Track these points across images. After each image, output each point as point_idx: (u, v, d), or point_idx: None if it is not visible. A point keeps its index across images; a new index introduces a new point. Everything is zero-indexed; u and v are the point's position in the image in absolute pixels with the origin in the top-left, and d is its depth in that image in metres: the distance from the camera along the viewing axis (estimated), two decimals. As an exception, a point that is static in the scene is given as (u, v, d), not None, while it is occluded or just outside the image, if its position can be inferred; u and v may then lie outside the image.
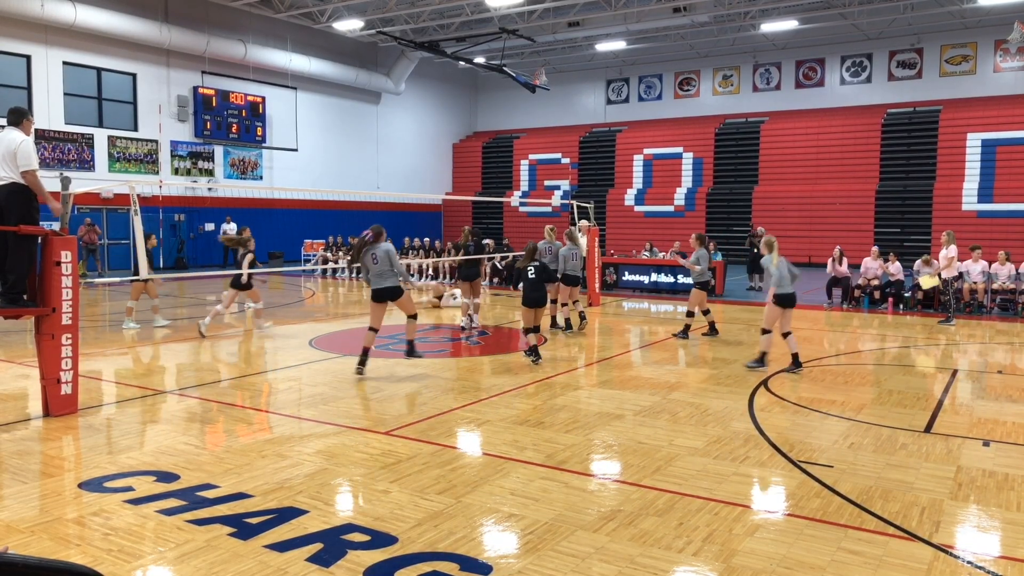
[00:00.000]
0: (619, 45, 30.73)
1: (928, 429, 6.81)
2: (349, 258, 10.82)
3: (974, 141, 26.94)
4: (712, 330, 12.07)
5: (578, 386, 8.57)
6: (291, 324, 13.54)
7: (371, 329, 9.00)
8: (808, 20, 27.37)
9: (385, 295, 8.92)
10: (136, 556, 4.15)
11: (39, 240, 7.01)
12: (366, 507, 4.90)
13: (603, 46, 31.06)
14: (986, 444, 6.35)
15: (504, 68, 27.90)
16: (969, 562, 4.18)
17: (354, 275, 22.20)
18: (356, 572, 3.98)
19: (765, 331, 9.42)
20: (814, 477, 5.47)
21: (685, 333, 11.83)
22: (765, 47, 31.65)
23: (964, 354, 11.09)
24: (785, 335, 9.36)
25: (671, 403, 7.69)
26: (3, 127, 7.07)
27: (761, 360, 9.43)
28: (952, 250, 13.87)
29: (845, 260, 16.44)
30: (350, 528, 4.54)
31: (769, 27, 27.70)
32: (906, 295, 15.93)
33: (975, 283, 15.26)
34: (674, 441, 6.36)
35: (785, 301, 9.32)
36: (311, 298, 18.39)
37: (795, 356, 9.33)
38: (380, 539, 4.38)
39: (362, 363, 8.93)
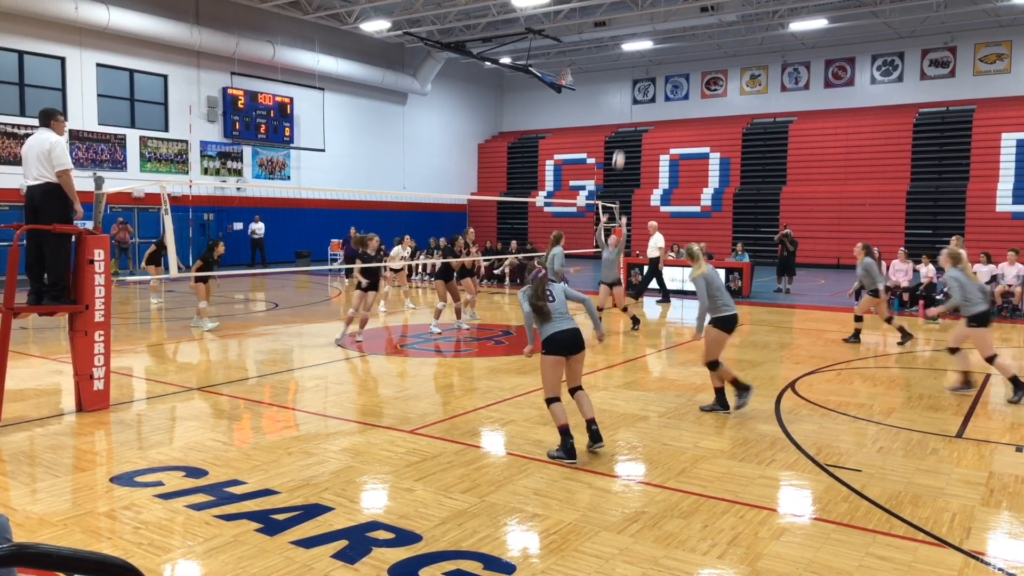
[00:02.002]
0: (646, 45, 30.58)
1: (960, 434, 6.70)
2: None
3: (1008, 141, 26.41)
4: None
5: (602, 387, 8.54)
6: (317, 323, 13.66)
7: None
8: (838, 19, 27.02)
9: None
10: (166, 550, 4.22)
11: (73, 239, 7.15)
12: (391, 505, 4.94)
13: (629, 46, 30.92)
14: (1019, 450, 6.23)
15: (530, 68, 27.89)
16: (1000, 569, 4.10)
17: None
18: (381, 569, 4.01)
19: (991, 358, 7.96)
20: (842, 481, 5.40)
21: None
22: (794, 46, 31.30)
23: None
24: (990, 360, 8.01)
25: (696, 405, 7.63)
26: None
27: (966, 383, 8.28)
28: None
29: (883, 264, 16.23)
30: (375, 526, 4.57)
31: (798, 26, 27.40)
32: (937, 297, 15.66)
33: (1010, 285, 14.97)
34: (699, 443, 6.32)
35: (982, 319, 7.92)
36: (337, 297, 18.54)
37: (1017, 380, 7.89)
38: (404, 537, 4.41)
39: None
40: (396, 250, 16.22)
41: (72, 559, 1.17)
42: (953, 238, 12.90)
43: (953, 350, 8.23)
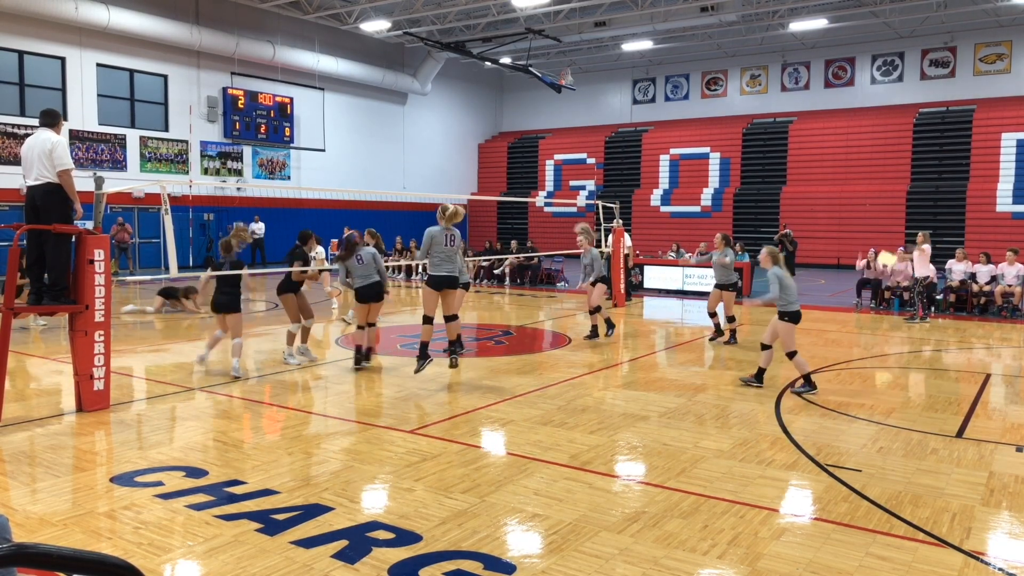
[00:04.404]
0: (646, 45, 30.58)
1: (960, 434, 6.70)
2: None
3: (1008, 141, 26.41)
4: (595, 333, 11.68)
5: (603, 387, 8.54)
6: (317, 323, 13.65)
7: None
8: (838, 19, 27.03)
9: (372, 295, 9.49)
10: (166, 550, 4.22)
11: (73, 239, 7.15)
12: (391, 505, 4.94)
13: (629, 46, 30.92)
14: (1020, 450, 6.23)
15: (530, 68, 27.89)
16: (1000, 569, 4.10)
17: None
18: (381, 569, 4.01)
19: None
20: (842, 481, 5.40)
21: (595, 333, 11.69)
22: (794, 46, 31.30)
23: (997, 358, 10.89)
24: (790, 355, 8.37)
25: (697, 405, 7.64)
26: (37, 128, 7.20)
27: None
28: (927, 249, 14.15)
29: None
30: (375, 526, 4.57)
31: (798, 26, 27.40)
32: (938, 297, 15.67)
33: (1010, 285, 14.97)
34: (699, 443, 6.32)
35: (794, 317, 8.33)
36: (337, 296, 18.51)
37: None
38: (405, 537, 4.41)
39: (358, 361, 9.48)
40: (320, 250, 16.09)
41: (72, 559, 1.17)
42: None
43: (766, 346, 8.54)
